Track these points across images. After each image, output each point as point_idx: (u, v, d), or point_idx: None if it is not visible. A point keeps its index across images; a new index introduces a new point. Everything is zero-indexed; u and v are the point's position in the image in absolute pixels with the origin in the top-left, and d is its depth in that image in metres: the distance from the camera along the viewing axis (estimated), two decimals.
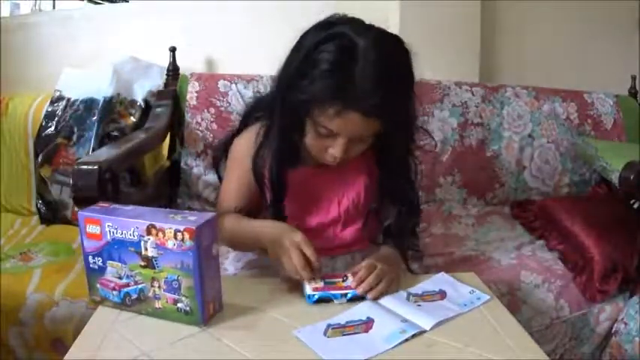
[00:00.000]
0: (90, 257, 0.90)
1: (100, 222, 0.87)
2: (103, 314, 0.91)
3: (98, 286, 0.92)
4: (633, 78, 2.03)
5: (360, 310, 0.92)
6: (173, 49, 1.83)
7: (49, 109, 1.74)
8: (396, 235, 1.13)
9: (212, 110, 1.69)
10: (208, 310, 0.87)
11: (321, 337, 0.85)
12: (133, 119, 1.74)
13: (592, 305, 1.34)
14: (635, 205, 1.67)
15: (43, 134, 1.71)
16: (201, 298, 0.85)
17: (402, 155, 1.11)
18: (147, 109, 1.75)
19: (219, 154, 1.28)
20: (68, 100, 1.74)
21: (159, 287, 0.87)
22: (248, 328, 0.88)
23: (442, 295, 0.99)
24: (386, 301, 0.95)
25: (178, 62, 1.83)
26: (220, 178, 1.26)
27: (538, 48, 2.13)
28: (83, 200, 1.10)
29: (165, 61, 1.83)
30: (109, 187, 1.17)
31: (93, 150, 1.64)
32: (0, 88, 1.89)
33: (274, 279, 1.04)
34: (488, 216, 1.75)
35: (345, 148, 1.00)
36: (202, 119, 1.69)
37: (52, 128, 1.71)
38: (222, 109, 1.70)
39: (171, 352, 0.81)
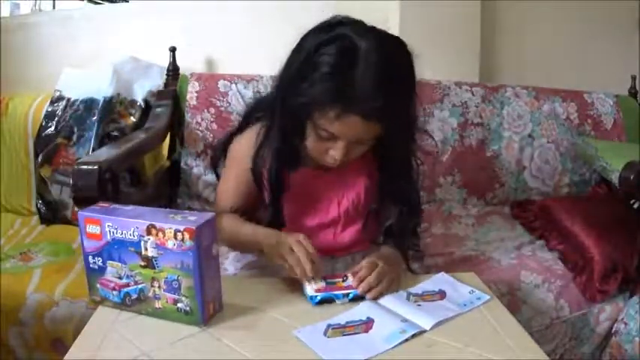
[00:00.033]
0: (90, 257, 0.90)
1: (100, 222, 0.87)
2: (103, 314, 0.91)
3: (98, 286, 0.92)
4: (633, 78, 2.03)
5: (360, 310, 0.92)
6: (173, 49, 1.83)
7: (49, 109, 1.74)
8: (397, 235, 1.13)
9: (212, 110, 1.69)
10: (208, 310, 0.88)
11: (321, 337, 0.85)
12: (133, 119, 1.74)
13: (592, 305, 1.34)
14: (635, 205, 1.67)
15: (43, 134, 1.71)
16: (201, 298, 0.85)
17: (403, 156, 1.11)
18: (147, 109, 1.75)
19: (217, 154, 1.28)
20: (68, 100, 1.74)
21: (159, 287, 0.87)
22: (248, 328, 0.88)
23: (442, 295, 0.99)
24: (386, 300, 0.95)
25: (178, 62, 1.83)
26: (218, 177, 1.26)
27: (538, 48, 2.13)
28: (83, 200, 1.10)
29: (165, 61, 1.83)
30: (109, 187, 1.17)
31: (93, 150, 1.64)
32: (0, 88, 1.89)
33: (274, 279, 1.04)
34: (488, 216, 1.75)
35: (346, 151, 1.00)
36: (202, 119, 1.69)
37: (52, 128, 1.71)
38: (222, 109, 1.70)
39: (171, 352, 0.81)
